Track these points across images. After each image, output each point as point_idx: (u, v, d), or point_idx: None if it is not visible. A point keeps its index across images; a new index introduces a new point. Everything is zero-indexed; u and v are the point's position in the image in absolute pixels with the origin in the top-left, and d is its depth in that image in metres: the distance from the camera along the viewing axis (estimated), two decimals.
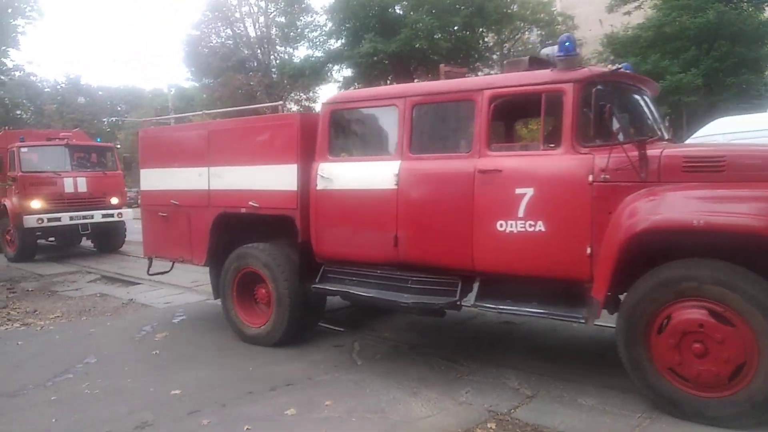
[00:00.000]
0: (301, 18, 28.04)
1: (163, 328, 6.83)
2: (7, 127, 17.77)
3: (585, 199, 4.06)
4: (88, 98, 49.65)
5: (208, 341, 6.23)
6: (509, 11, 23.27)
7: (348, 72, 26.68)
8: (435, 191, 4.75)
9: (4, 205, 14.00)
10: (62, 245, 16.11)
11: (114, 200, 14.67)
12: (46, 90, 48.00)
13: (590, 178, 4.05)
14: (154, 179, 6.99)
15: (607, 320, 4.37)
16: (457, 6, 21.10)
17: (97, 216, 14.18)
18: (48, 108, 44.44)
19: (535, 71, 4.53)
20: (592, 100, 4.15)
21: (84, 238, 15.53)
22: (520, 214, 4.27)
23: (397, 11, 21.77)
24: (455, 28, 22.16)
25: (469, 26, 22.30)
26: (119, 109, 56.92)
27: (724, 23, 17.45)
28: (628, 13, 20.35)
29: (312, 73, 25.86)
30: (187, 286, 9.62)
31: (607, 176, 4.00)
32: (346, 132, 5.69)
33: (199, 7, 35.86)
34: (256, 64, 35.70)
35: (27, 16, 10.33)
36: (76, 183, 13.97)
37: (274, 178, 5.62)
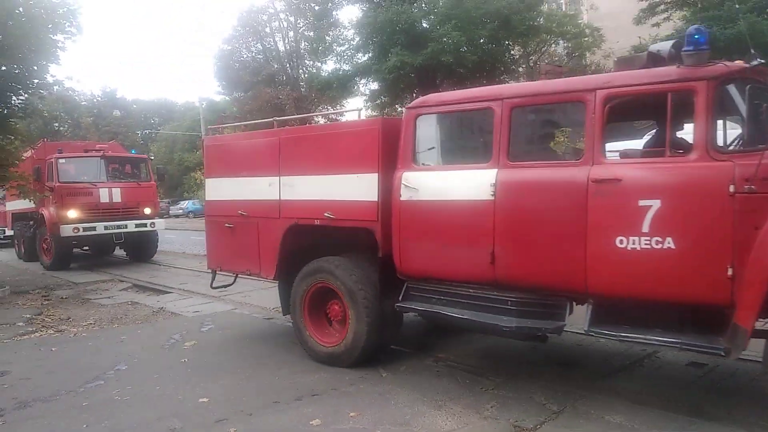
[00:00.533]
0: (329, 32, 28.41)
1: (192, 337, 6.94)
2: (45, 139, 18.38)
3: (725, 213, 3.58)
4: (123, 111, 51.03)
5: (235, 350, 6.31)
6: (535, 24, 23.21)
7: (374, 85, 26.95)
8: (539, 203, 4.25)
9: (42, 215, 14.41)
10: (96, 254, 16.53)
11: (147, 210, 14.98)
12: (83, 103, 49.50)
13: (731, 188, 3.55)
14: (220, 189, 6.67)
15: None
16: (484, 19, 21.14)
17: (131, 226, 14.51)
18: (84, 121, 45.81)
19: (658, 68, 4.05)
20: (732, 100, 3.75)
21: (117, 248, 15.91)
22: (645, 229, 3.80)
23: (424, 25, 21.93)
24: (481, 41, 22.20)
25: (495, 39, 22.31)
26: (152, 121, 58.39)
27: (756, 34, 17.11)
28: (657, 24, 20.10)
29: (339, 87, 26.11)
30: (215, 296, 9.74)
31: (753, 187, 3.50)
32: (434, 138, 5.24)
33: (231, 23, 36.64)
34: (285, 78, 36.27)
35: (66, 31, 10.65)
36: (111, 193, 14.34)
37: (351, 188, 5.24)
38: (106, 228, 14.17)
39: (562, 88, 4.42)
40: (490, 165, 4.53)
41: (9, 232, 19.21)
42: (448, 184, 4.74)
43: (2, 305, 9.62)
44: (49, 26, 10.28)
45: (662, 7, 19.76)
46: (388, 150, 5.05)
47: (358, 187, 5.19)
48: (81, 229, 13.77)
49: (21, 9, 9.83)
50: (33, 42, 10.12)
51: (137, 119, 55.06)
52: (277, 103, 34.09)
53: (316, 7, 29.42)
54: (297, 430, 4.12)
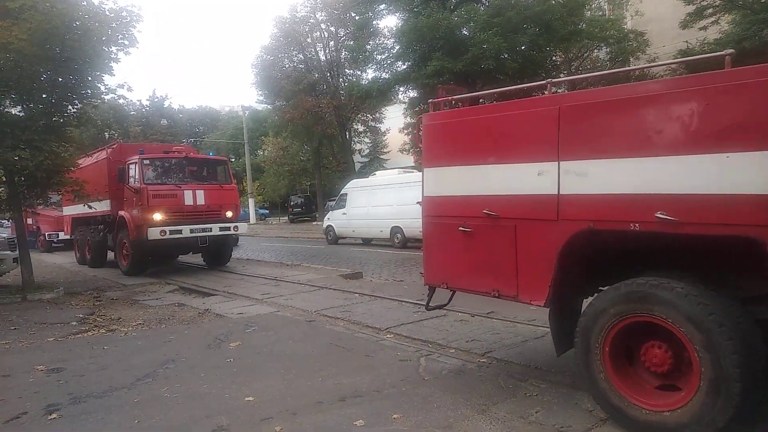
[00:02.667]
0: (369, 42, 28.72)
1: (237, 338, 7.08)
2: (119, 141, 18.87)
3: None
4: (170, 120, 52.61)
5: (279, 351, 6.40)
6: (577, 29, 22.90)
7: (413, 93, 27.09)
8: None
9: (122, 218, 13.90)
10: (157, 260, 15.50)
11: (229, 214, 14.46)
12: (131, 113, 51.22)
13: None
14: (449, 181, 5.17)
15: None
16: (524, 25, 21.01)
17: (215, 229, 13.97)
18: (133, 129, 47.36)
19: None
20: None
21: (191, 253, 15.39)
22: None
23: (464, 32, 21.92)
24: (522, 48, 22.04)
25: (536, 45, 22.14)
26: (197, 130, 59.98)
27: None
28: (704, 28, 19.57)
29: (379, 95, 26.37)
30: (258, 298, 9.95)
31: None
32: None
33: (272, 33, 37.34)
34: (325, 87, 36.80)
35: (120, 43, 11.08)
36: (195, 196, 13.84)
37: (717, 175, 3.42)
38: (191, 231, 13.55)
39: None
40: None
41: (63, 236, 19.74)
42: None
43: (57, 305, 10.04)
44: (103, 38, 10.73)
45: (710, 10, 19.24)
46: None
47: (732, 173, 3.38)
48: (168, 232, 13.14)
49: (78, 23, 10.29)
50: (89, 54, 10.59)
51: (183, 128, 56.58)
52: (317, 111, 34.65)
53: (357, 18, 29.75)
54: (341, 430, 4.16)
